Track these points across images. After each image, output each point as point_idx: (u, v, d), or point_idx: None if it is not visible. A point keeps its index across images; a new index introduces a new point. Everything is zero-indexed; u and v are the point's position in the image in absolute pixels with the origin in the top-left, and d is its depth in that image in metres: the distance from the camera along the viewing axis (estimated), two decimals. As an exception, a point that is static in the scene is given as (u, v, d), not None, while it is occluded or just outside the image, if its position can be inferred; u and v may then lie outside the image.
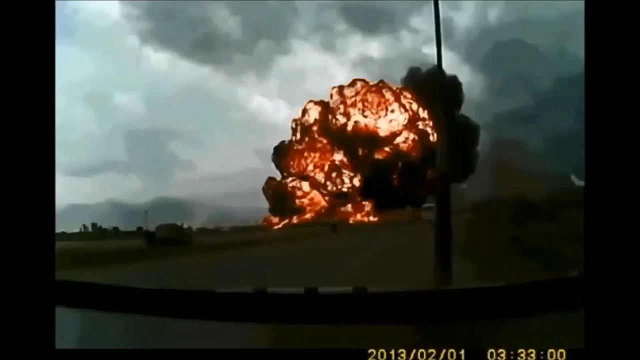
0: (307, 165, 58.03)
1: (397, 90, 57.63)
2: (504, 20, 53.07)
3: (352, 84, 59.46)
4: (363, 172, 55.61)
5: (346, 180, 56.99)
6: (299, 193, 57.55)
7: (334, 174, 57.14)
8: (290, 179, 57.83)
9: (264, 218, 56.00)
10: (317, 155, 57.85)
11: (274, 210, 56.68)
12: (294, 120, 60.34)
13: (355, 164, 56.57)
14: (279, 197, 56.28)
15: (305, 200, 56.95)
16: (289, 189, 57.27)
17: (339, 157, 57.61)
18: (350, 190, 56.36)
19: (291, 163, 57.59)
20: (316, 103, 60.08)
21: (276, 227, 52.36)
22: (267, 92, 71.06)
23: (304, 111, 60.46)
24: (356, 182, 56.92)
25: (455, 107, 48.30)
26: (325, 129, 58.35)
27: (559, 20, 43.73)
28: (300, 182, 57.29)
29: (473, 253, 12.06)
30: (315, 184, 57.28)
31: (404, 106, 56.87)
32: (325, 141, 58.30)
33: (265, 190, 58.08)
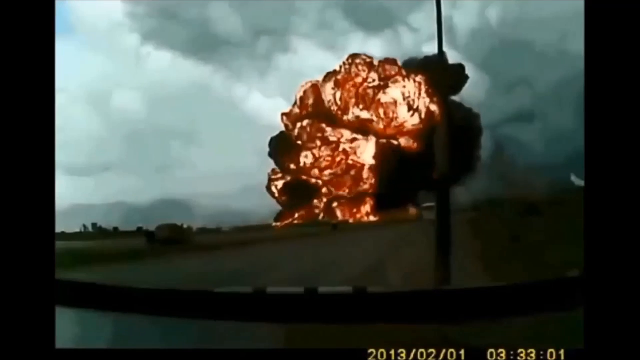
0: (311, 164, 55.15)
1: (406, 87, 53.34)
2: (504, 20, 52.91)
3: (351, 67, 52.71)
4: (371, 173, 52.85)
5: (366, 181, 53.33)
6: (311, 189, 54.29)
7: (345, 176, 53.71)
8: (299, 175, 54.66)
9: (275, 216, 53.70)
10: (318, 153, 54.93)
11: (286, 207, 54.14)
12: (284, 114, 56.16)
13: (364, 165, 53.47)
14: (290, 191, 53.89)
15: (317, 202, 54.31)
16: (303, 182, 54.14)
17: (344, 156, 54.42)
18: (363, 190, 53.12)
19: (289, 161, 55.14)
20: (313, 92, 55.96)
21: (279, 227, 50.89)
22: (268, 91, 70.74)
23: (302, 100, 56.07)
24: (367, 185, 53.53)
25: (456, 97, 47.07)
26: (327, 119, 54.70)
27: (559, 20, 43.67)
28: (309, 178, 54.30)
29: (473, 253, 12.06)
30: (323, 183, 54.42)
31: (416, 110, 52.67)
32: (326, 135, 54.89)
33: (274, 187, 55.16)
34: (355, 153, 53.41)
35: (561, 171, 39.35)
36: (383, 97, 53.02)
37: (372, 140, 53.55)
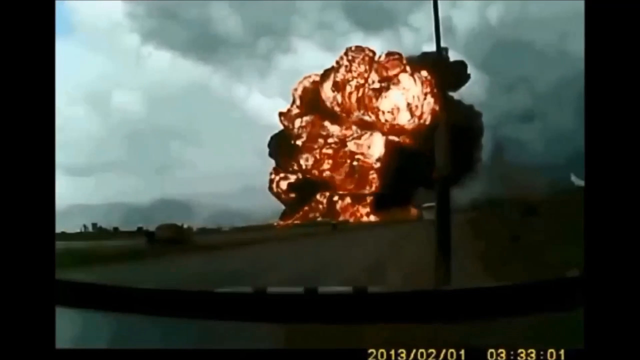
0: (312, 166, 54.13)
1: (409, 89, 50.25)
2: (504, 20, 52.88)
3: (351, 64, 51.21)
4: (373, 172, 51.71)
5: (371, 184, 52.04)
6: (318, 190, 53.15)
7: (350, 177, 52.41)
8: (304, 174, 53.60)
9: (274, 215, 52.97)
10: (319, 154, 53.90)
11: (290, 205, 53.32)
12: (282, 114, 53.28)
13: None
14: (293, 190, 53.09)
15: (320, 197, 53.30)
16: (306, 180, 53.07)
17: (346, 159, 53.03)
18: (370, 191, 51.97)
19: (290, 160, 54.40)
20: (312, 89, 53.29)
21: (281, 225, 50.30)
22: (268, 91, 70.90)
23: (301, 98, 53.17)
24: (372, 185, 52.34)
25: (457, 96, 46.40)
26: (329, 118, 53.47)
27: (559, 20, 43.70)
28: (312, 177, 53.30)
29: (473, 253, 12.06)
30: (327, 182, 53.37)
31: (419, 117, 50.01)
32: (329, 134, 53.67)
33: (276, 186, 54.20)
34: (362, 153, 52.40)
35: (561, 171, 39.37)
36: (384, 103, 51.84)
37: (379, 135, 52.40)
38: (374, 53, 52.76)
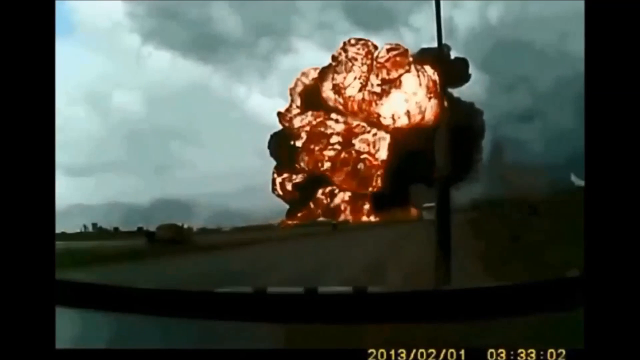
0: (314, 166, 53.73)
1: (416, 93, 51.31)
2: (504, 20, 52.80)
3: (353, 64, 49.57)
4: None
5: (374, 186, 51.65)
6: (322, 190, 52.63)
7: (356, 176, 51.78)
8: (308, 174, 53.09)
9: (274, 215, 52.71)
10: (320, 155, 53.50)
11: (293, 203, 52.99)
12: (280, 113, 54.63)
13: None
14: (297, 189, 52.80)
15: (322, 197, 52.98)
16: (309, 178, 52.56)
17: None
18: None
19: (291, 159, 54.00)
20: (312, 88, 54.55)
21: (284, 224, 50.07)
22: (268, 91, 70.85)
23: (300, 96, 54.29)
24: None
25: (458, 95, 46.18)
26: (331, 116, 52.78)
27: (559, 20, 43.66)
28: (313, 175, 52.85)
29: (473, 253, 12.06)
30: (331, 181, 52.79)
31: (419, 119, 49.60)
32: (332, 133, 53.14)
33: (278, 185, 53.77)
34: (369, 152, 51.85)
35: (561, 171, 39.29)
36: (384, 109, 51.30)
37: (384, 134, 51.87)
38: (376, 47, 51.96)
